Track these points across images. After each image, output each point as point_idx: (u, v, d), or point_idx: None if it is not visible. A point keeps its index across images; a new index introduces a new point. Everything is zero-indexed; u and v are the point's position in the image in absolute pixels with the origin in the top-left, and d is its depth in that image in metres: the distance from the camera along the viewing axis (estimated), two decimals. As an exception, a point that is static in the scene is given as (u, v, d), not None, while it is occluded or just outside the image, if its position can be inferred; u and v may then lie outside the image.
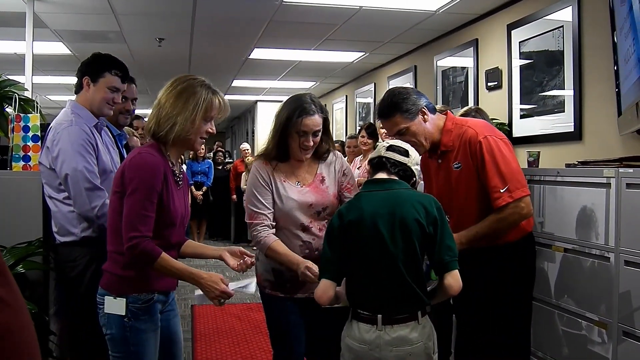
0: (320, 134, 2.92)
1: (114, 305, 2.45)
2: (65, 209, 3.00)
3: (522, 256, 3.05)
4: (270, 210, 2.88)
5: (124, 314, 2.44)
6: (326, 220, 2.88)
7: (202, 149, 11.34)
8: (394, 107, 2.99)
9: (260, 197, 2.89)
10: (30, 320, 0.84)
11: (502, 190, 2.83)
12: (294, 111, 2.85)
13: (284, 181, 2.93)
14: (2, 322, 0.79)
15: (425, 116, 3.00)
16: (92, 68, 3.17)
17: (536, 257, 3.30)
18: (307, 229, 2.89)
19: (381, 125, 5.84)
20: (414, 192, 2.49)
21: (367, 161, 2.67)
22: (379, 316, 2.38)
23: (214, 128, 2.62)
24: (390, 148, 2.59)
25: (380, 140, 5.93)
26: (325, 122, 2.96)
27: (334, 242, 2.49)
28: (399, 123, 2.98)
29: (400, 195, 2.45)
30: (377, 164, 2.59)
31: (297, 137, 2.87)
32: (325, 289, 2.47)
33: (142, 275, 2.46)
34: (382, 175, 2.55)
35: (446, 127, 3.05)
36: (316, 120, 2.87)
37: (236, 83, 11.03)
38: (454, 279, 2.37)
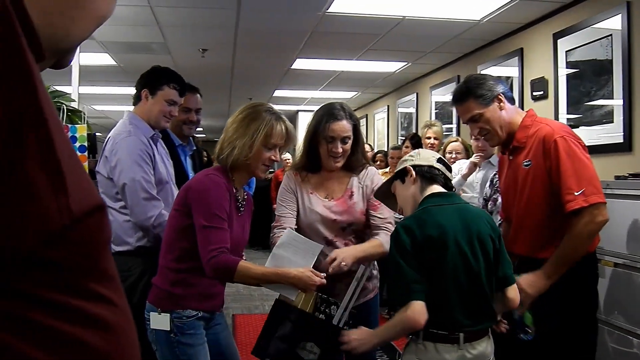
0: (349, 141, 2.86)
1: (159, 321, 2.48)
2: (121, 219, 3.03)
3: (584, 278, 2.79)
4: (292, 216, 2.90)
5: (168, 329, 2.46)
6: (352, 236, 2.87)
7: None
8: (467, 92, 2.88)
9: (283, 204, 2.92)
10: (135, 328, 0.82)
11: (576, 193, 2.62)
12: (322, 117, 2.85)
13: (311, 193, 2.92)
14: (114, 322, 0.77)
15: (502, 104, 2.86)
16: (151, 81, 3.22)
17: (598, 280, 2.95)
18: (331, 243, 2.85)
19: (427, 135, 5.81)
20: (476, 207, 2.46)
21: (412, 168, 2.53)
22: (461, 334, 2.26)
23: (277, 156, 2.60)
24: (440, 161, 2.51)
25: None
26: (356, 131, 2.89)
27: (411, 260, 2.25)
28: (472, 109, 2.87)
29: (468, 209, 2.42)
30: (430, 175, 2.46)
31: (326, 144, 2.84)
32: (423, 312, 2.21)
33: (188, 293, 2.48)
34: (438, 187, 2.45)
35: (524, 123, 2.88)
36: (344, 125, 2.82)
37: (278, 93, 11.07)
38: (515, 292, 2.41)
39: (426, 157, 2.53)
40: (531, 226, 2.81)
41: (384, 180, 2.74)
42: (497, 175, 3.98)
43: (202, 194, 2.45)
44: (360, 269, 2.68)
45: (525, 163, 2.81)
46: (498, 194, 3.87)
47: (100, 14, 0.80)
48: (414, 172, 2.47)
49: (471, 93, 2.86)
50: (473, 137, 3.03)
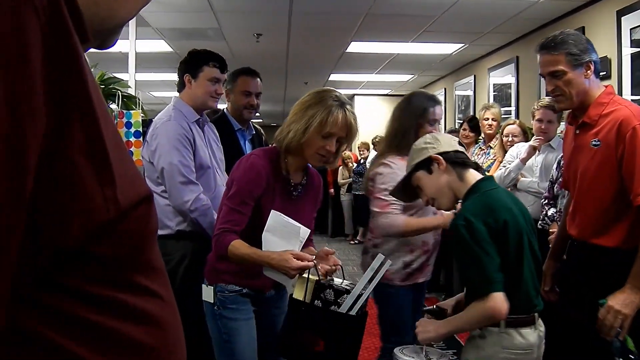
0: None
1: (206, 293, 2.54)
2: (162, 202, 3.06)
3: None
4: None
5: (212, 301, 2.51)
6: None
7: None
8: (563, 44, 2.66)
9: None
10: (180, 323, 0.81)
11: None
12: (428, 102, 3.17)
13: None
14: (160, 316, 0.75)
15: (589, 72, 2.66)
16: (191, 65, 3.24)
17: None
18: None
19: (485, 117, 5.67)
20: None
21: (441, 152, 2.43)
22: (535, 314, 2.24)
23: (332, 147, 2.45)
24: (460, 143, 2.47)
25: (482, 132, 5.76)
26: None
27: (490, 248, 2.12)
28: (559, 63, 2.65)
29: (509, 192, 2.39)
30: (461, 160, 2.37)
31: (430, 128, 3.08)
32: (505, 302, 2.10)
33: (231, 269, 2.49)
34: (475, 172, 2.37)
35: (599, 99, 2.67)
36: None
37: (333, 77, 11.03)
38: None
39: (447, 142, 2.42)
40: (589, 209, 2.69)
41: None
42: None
43: (234, 173, 2.48)
44: (378, 258, 2.39)
45: (593, 142, 2.64)
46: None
47: None
48: (443, 160, 2.34)
49: (566, 47, 2.65)
50: (546, 95, 2.81)
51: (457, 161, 2.36)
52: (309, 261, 2.31)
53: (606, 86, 2.77)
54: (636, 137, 2.50)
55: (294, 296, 2.39)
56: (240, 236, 2.38)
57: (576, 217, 2.78)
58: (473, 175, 2.34)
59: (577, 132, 2.77)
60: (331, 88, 2.59)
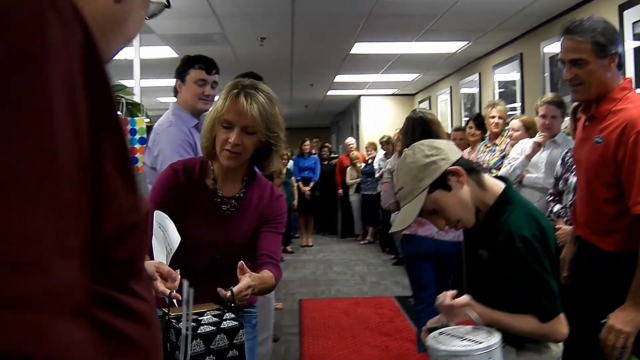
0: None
1: None
2: None
3: None
4: None
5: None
6: None
7: (307, 145, 11.47)
8: (590, 31, 2.48)
9: None
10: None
11: None
12: None
13: None
14: (150, 318, 0.80)
15: (612, 64, 2.50)
16: (179, 70, 3.34)
17: None
18: None
19: (491, 114, 5.67)
20: None
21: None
22: None
23: (234, 137, 2.07)
24: None
25: (488, 130, 5.76)
26: None
27: (547, 263, 1.96)
28: (583, 51, 2.48)
29: None
30: (471, 166, 2.09)
31: None
32: (566, 324, 1.99)
33: None
34: (487, 176, 2.12)
35: (613, 94, 2.52)
36: None
37: (338, 78, 11.05)
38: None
39: (450, 148, 2.09)
40: (587, 207, 2.63)
41: (407, 205, 2.03)
42: (568, 154, 3.87)
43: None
44: (185, 289, 1.62)
45: (597, 139, 2.53)
46: (569, 173, 3.76)
47: (129, 37, 0.90)
48: (463, 171, 2.01)
49: (593, 36, 2.47)
50: (563, 79, 2.71)
51: (472, 167, 2.07)
52: (172, 281, 1.83)
53: (624, 79, 2.63)
54: (638, 142, 2.38)
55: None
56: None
57: (577, 212, 2.73)
58: (492, 180, 2.09)
59: (587, 123, 2.67)
60: (247, 79, 2.24)
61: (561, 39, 2.60)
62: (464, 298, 1.96)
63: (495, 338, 1.80)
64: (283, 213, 2.30)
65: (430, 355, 1.81)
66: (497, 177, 2.11)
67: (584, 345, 2.59)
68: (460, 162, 2.02)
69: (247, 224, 2.21)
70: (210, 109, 2.13)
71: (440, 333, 1.88)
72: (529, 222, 1.96)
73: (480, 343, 1.77)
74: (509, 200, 2.02)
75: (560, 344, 2.06)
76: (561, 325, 1.96)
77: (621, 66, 2.59)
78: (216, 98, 2.30)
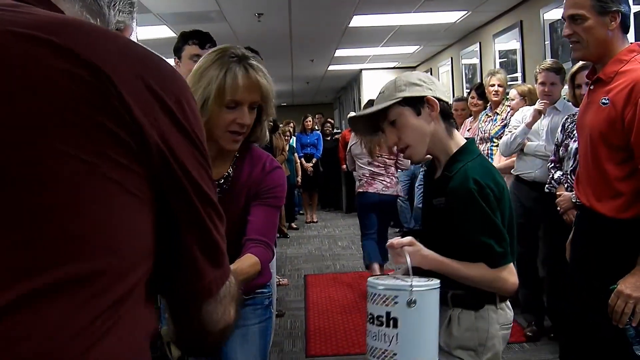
0: None
1: None
2: None
3: None
4: None
5: None
6: None
7: (309, 121, 11.43)
8: None
9: None
10: None
11: None
12: None
13: None
14: None
15: (614, 23, 2.42)
16: (175, 48, 3.34)
17: None
18: None
19: (490, 83, 5.62)
20: None
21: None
22: None
23: (245, 118, 1.93)
24: None
25: (489, 99, 5.72)
26: None
27: (498, 215, 1.96)
28: (582, 6, 2.43)
29: None
30: (451, 116, 2.11)
31: None
32: (516, 275, 2.00)
33: None
34: (458, 133, 2.13)
35: (620, 55, 2.45)
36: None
37: (339, 53, 10.99)
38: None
39: (444, 91, 2.09)
40: (591, 171, 2.57)
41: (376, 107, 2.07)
42: (568, 119, 3.84)
43: None
44: None
45: (603, 100, 2.46)
46: (570, 140, 3.74)
47: None
48: (438, 106, 2.02)
49: None
50: (563, 36, 2.65)
51: (450, 114, 2.09)
52: None
53: (631, 43, 2.55)
54: None
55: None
56: None
57: (582, 180, 2.67)
58: (459, 135, 2.10)
59: (592, 87, 2.61)
60: (232, 45, 2.02)
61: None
62: (405, 239, 1.98)
63: (430, 281, 1.81)
64: (277, 185, 2.13)
65: (368, 292, 1.81)
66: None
67: (585, 312, 2.60)
68: (444, 104, 2.04)
69: (235, 205, 2.06)
70: (193, 82, 1.90)
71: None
72: (486, 173, 1.98)
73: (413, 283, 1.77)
74: (470, 151, 2.04)
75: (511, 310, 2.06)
76: (510, 273, 1.96)
77: (627, 28, 2.51)
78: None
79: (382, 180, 5.86)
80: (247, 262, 1.97)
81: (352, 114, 2.05)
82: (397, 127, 2.04)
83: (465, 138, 2.11)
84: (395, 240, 1.99)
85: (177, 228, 0.90)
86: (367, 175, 5.92)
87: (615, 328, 2.38)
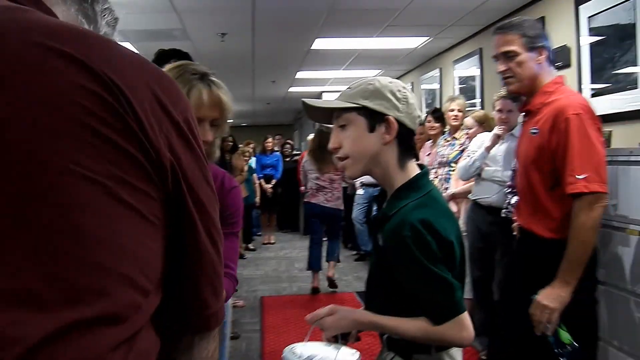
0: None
1: None
2: None
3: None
4: None
5: None
6: None
7: (270, 142, 11.41)
8: (519, 26, 2.72)
9: None
10: None
11: (578, 177, 2.48)
12: None
13: None
14: None
15: (541, 57, 2.70)
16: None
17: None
18: None
19: (450, 108, 5.71)
20: None
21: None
22: None
23: (208, 135, 1.87)
24: None
25: (448, 123, 5.79)
26: None
27: (441, 264, 1.70)
28: (512, 44, 2.69)
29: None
30: (412, 146, 1.87)
31: None
32: (471, 325, 1.74)
33: None
34: (415, 165, 1.88)
35: (546, 87, 2.70)
36: None
37: (300, 75, 11.03)
38: None
39: (414, 116, 1.83)
40: (527, 196, 2.77)
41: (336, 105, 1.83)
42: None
43: None
44: None
45: (532, 130, 2.69)
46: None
47: None
48: (395, 132, 1.78)
49: (521, 29, 2.70)
50: (499, 73, 2.76)
51: (409, 144, 1.83)
52: None
53: (556, 76, 2.79)
54: (569, 127, 2.53)
55: None
56: None
57: (520, 203, 2.87)
58: (414, 168, 1.85)
59: (525, 119, 2.84)
60: (190, 62, 2.01)
61: (494, 38, 2.81)
62: (324, 310, 1.83)
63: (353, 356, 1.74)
64: (238, 209, 2.09)
65: None
66: (418, 164, 1.88)
67: (523, 321, 2.70)
68: (405, 131, 1.79)
69: None
70: None
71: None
72: (430, 216, 1.71)
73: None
74: (416, 187, 1.80)
75: (459, 356, 1.84)
76: (462, 327, 1.71)
77: (552, 61, 2.77)
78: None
79: (325, 193, 7.08)
80: None
81: (307, 100, 1.83)
82: (344, 132, 1.81)
83: (421, 166, 1.89)
84: (310, 315, 1.85)
85: (185, 254, 0.87)
86: (314, 188, 7.16)
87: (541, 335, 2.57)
